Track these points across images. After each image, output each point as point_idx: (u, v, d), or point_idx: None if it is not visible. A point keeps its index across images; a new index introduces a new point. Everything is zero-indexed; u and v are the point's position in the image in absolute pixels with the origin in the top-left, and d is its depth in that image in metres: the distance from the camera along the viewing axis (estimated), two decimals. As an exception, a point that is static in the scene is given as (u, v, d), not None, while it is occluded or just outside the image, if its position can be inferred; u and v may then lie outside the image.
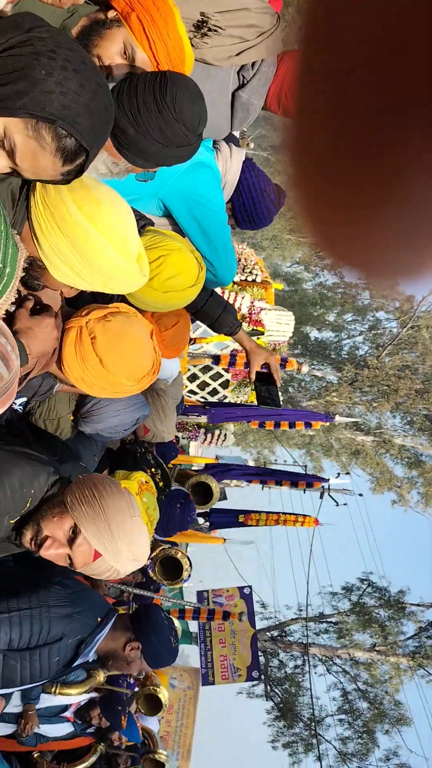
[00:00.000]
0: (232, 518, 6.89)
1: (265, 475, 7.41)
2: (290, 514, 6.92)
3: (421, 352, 17.63)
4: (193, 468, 6.94)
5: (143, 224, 1.84)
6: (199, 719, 10.91)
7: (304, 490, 7.38)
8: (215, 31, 1.83)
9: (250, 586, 9.36)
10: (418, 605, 14.41)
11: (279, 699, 14.41)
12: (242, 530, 7.39)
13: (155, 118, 1.43)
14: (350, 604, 14.93)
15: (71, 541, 1.51)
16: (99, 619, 1.92)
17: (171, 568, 3.40)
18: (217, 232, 2.10)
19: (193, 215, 2.04)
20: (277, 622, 14.97)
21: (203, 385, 6.18)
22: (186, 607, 7.44)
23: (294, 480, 7.06)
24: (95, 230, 1.25)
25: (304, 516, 6.71)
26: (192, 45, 1.76)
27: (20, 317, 1.37)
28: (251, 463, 11.20)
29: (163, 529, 3.09)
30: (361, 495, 13.14)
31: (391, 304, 19.95)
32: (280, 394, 2.37)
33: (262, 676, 13.19)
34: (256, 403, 2.40)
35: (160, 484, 2.63)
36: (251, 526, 6.86)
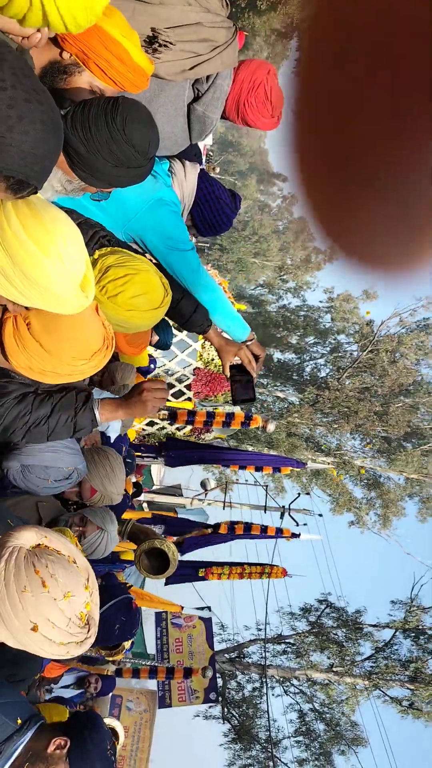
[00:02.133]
0: (191, 572, 6.48)
1: (229, 536, 6.53)
2: (256, 565, 6.57)
3: (380, 375, 18.02)
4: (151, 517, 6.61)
5: (104, 234, 1.85)
6: (155, 742, 10.77)
7: (274, 537, 6.68)
8: (166, 46, 1.87)
9: (208, 607, 9.35)
10: (375, 626, 14.57)
11: (236, 721, 14.31)
12: (203, 587, 7.17)
13: (106, 140, 1.47)
14: (308, 625, 15.00)
15: None
16: (19, 721, 1.53)
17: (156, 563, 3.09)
18: (191, 272, 2.19)
19: (168, 262, 2.14)
20: (235, 644, 14.93)
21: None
22: (141, 667, 7.07)
23: (263, 532, 6.38)
24: (34, 245, 1.22)
25: (271, 567, 6.33)
26: None
27: None
28: (211, 492, 11.13)
29: (103, 639, 2.85)
30: (320, 515, 13.32)
31: (351, 328, 20.39)
32: (255, 387, 2.33)
33: (220, 698, 13.12)
34: (231, 401, 2.42)
35: None
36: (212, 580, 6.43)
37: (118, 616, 2.83)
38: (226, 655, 14.45)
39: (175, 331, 5.07)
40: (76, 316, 1.46)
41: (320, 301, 21.74)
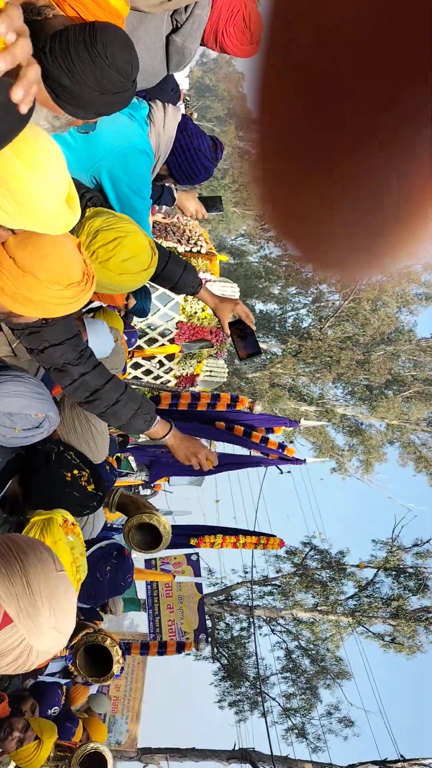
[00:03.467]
0: (182, 540, 6.10)
1: (227, 435, 5.79)
2: (251, 534, 6.09)
3: (362, 324, 18.11)
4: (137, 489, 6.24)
5: (90, 196, 1.84)
6: (148, 682, 11.19)
7: (276, 453, 5.69)
8: None
9: (197, 553, 9.55)
10: (357, 566, 15.07)
11: (225, 660, 14.90)
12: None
13: (89, 67, 1.43)
14: (293, 567, 15.48)
15: None
16: None
17: (97, 657, 2.71)
18: (145, 228, 2.11)
19: (120, 201, 2.09)
20: (223, 587, 15.39)
21: (147, 372, 6.09)
22: (132, 642, 6.87)
23: (263, 443, 5.56)
24: (17, 159, 1.16)
25: (267, 537, 5.84)
26: None
27: None
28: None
29: (90, 596, 2.64)
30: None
31: (333, 277, 20.32)
32: (257, 340, 2.28)
33: (209, 639, 13.61)
34: (238, 358, 2.31)
35: (90, 488, 2.11)
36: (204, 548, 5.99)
37: (102, 568, 2.62)
38: (214, 597, 14.91)
39: (155, 285, 4.94)
40: (56, 237, 1.38)
41: (313, 270, 21.53)
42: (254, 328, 2.27)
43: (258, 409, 4.78)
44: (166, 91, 2.33)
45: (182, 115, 2.25)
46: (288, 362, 18.11)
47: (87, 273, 1.50)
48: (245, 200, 22.10)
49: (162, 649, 6.79)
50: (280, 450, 5.19)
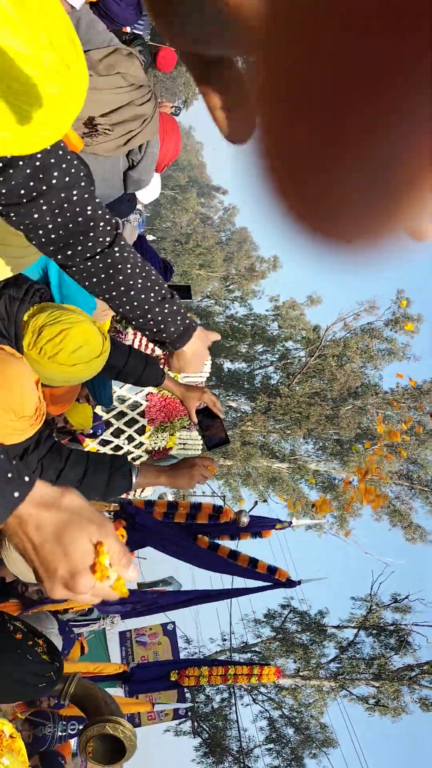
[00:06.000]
0: (160, 675, 5.40)
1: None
2: (243, 664, 5.35)
3: (329, 379, 18.42)
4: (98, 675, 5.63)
5: (37, 287, 1.83)
6: (127, 764, 10.60)
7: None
8: (104, 133, 1.95)
9: (173, 622, 9.31)
10: (338, 627, 14.82)
11: (207, 734, 14.30)
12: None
13: None
14: (272, 631, 15.15)
15: None
16: None
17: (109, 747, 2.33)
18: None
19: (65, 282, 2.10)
20: (201, 657, 14.92)
21: (118, 433, 5.92)
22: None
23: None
24: None
25: (261, 667, 5.07)
26: (85, 144, 1.92)
27: None
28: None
29: None
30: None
31: (298, 334, 20.79)
32: (225, 427, 2.22)
33: (189, 713, 13.09)
34: (205, 447, 2.20)
35: (44, 657, 1.95)
36: (189, 687, 5.27)
37: None
38: (193, 668, 14.43)
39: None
40: (22, 369, 1.47)
41: (267, 310, 22.08)
42: (222, 416, 2.25)
43: (245, 521, 4.35)
44: (122, 201, 2.44)
45: (138, 235, 2.37)
46: (258, 419, 18.21)
47: (39, 410, 1.55)
48: (209, 263, 22.67)
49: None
50: (270, 575, 4.68)
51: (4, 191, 1.06)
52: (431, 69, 0.17)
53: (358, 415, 18.21)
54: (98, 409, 5.30)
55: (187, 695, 11.80)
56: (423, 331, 18.30)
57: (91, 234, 1.21)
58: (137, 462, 6.09)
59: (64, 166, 1.09)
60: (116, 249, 1.27)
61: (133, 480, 1.84)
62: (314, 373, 18.89)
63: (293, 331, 21.06)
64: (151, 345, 5.25)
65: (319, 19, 0.18)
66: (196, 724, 14.16)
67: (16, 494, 0.81)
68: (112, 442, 5.79)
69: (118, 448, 5.86)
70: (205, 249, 22.63)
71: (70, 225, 1.16)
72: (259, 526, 4.62)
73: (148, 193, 3.91)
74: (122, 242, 1.28)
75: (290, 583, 4.85)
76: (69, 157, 1.10)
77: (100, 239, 1.24)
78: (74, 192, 1.13)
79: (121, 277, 1.31)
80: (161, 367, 2.21)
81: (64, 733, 3.66)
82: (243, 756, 13.35)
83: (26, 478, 0.84)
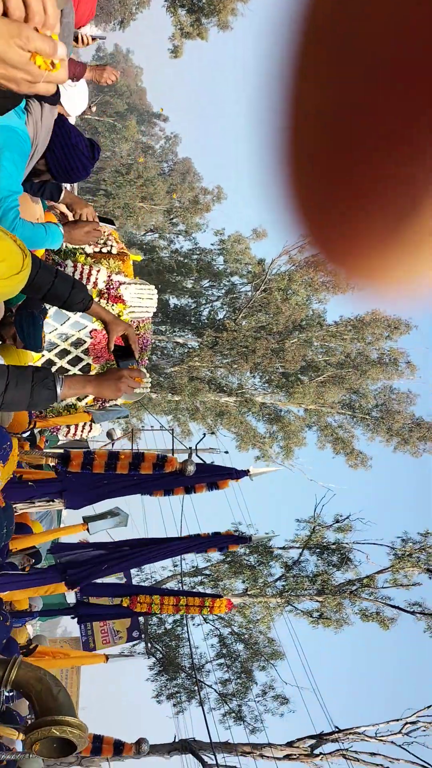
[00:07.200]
0: (110, 607, 5.47)
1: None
2: (195, 595, 5.42)
3: (274, 313, 18.54)
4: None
5: None
6: (84, 688, 11.07)
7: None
8: None
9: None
10: (283, 548, 15.49)
11: (160, 654, 14.95)
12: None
13: None
14: (221, 554, 15.72)
15: None
16: None
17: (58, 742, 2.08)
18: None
19: None
20: (153, 582, 15.42)
21: (62, 371, 5.66)
22: None
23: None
24: None
25: (213, 599, 5.16)
26: None
27: None
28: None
29: None
30: (227, 452, 13.83)
31: (244, 269, 20.71)
32: (138, 366, 2.24)
33: (143, 635, 13.62)
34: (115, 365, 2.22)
35: None
36: (141, 613, 5.24)
37: None
38: (145, 594, 14.90)
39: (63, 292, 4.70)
40: None
41: (212, 244, 21.81)
42: (138, 355, 2.27)
43: (191, 469, 4.21)
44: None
45: (59, 114, 2.29)
46: (205, 355, 18.29)
47: None
48: (152, 195, 22.06)
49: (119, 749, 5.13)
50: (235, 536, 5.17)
51: None
52: None
53: (303, 348, 18.51)
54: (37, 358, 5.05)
55: (140, 618, 12.25)
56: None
57: None
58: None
59: None
60: None
61: (58, 391, 1.83)
62: (260, 307, 18.96)
63: (239, 265, 20.96)
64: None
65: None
66: (149, 645, 14.76)
67: None
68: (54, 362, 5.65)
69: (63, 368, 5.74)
70: (147, 180, 21.95)
71: None
72: (217, 476, 4.63)
73: (76, 103, 3.73)
74: None
75: (243, 539, 5.37)
76: None
77: None
78: None
79: None
80: (87, 291, 2.18)
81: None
82: (195, 671, 14.07)
83: None
